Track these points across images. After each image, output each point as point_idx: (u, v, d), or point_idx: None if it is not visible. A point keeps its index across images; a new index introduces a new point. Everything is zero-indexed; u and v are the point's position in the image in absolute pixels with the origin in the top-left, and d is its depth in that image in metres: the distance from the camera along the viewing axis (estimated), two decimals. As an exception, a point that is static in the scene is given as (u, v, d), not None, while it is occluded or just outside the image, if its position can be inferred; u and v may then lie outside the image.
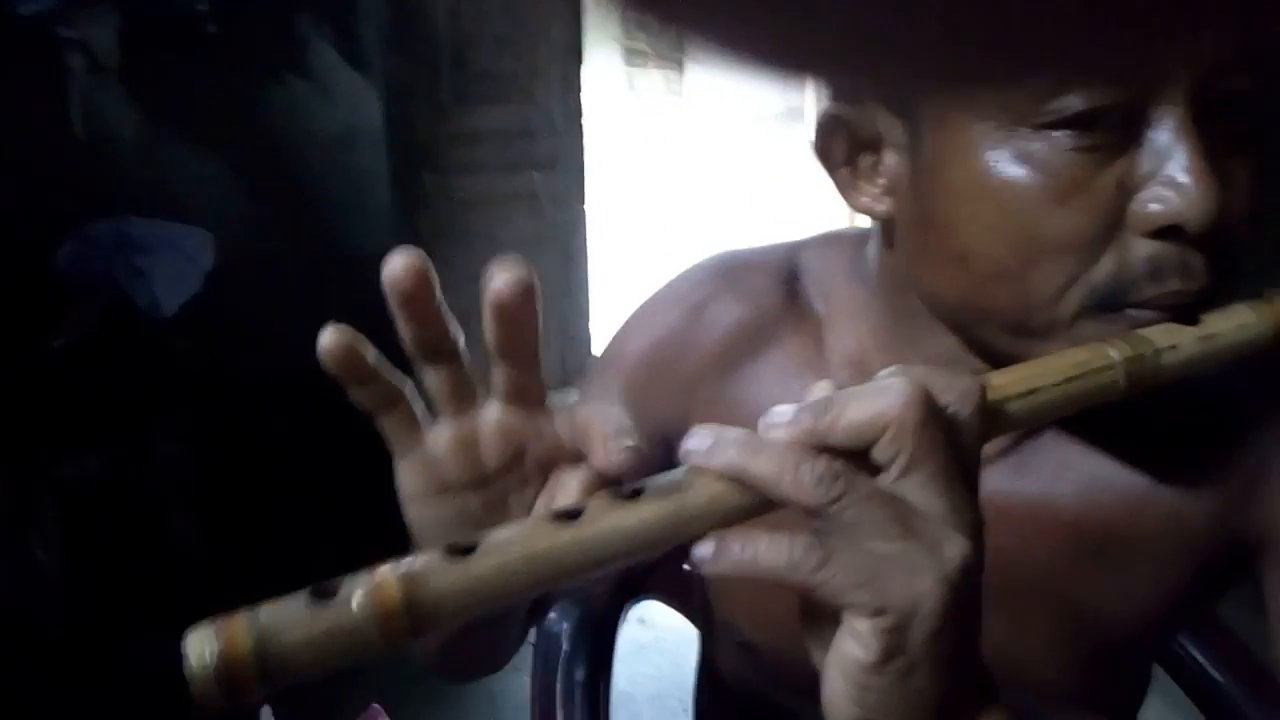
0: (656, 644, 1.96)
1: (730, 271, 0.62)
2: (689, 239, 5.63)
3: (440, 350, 0.37)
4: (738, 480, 0.34)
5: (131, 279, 1.94)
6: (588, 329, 2.41)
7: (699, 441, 0.35)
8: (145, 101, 2.16)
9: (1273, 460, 0.50)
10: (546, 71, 2.23)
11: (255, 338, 2.22)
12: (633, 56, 8.31)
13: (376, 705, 1.55)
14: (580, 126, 2.32)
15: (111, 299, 1.92)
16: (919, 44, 0.13)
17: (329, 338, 0.33)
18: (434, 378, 0.38)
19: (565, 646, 0.84)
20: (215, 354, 2.14)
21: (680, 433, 0.62)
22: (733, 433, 0.35)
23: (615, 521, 0.32)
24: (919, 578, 0.32)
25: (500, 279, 0.34)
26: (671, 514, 0.33)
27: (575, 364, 2.37)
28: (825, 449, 0.33)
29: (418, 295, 0.35)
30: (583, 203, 2.34)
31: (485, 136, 2.17)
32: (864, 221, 0.55)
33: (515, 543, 0.32)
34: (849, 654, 0.33)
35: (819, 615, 0.36)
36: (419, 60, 2.07)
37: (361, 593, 0.30)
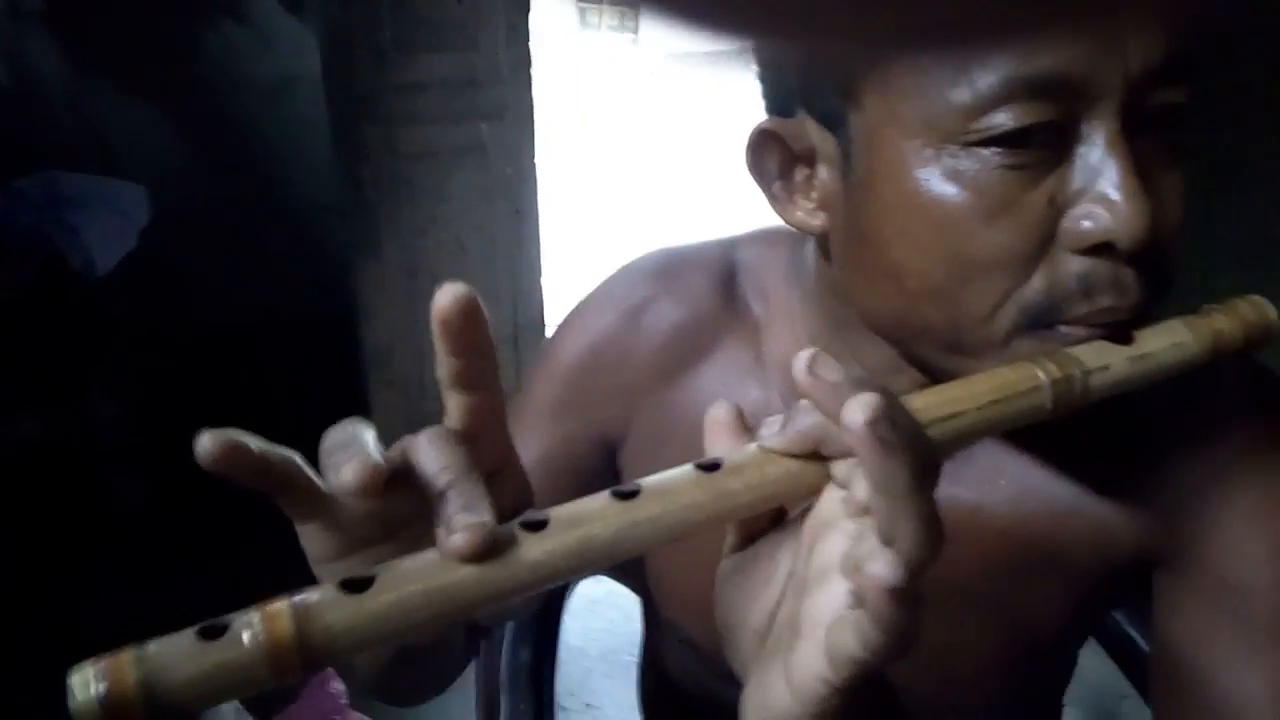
0: (609, 598, 1.98)
1: (666, 272, 0.61)
2: (644, 185, 5.57)
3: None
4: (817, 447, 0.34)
5: (64, 236, 1.88)
6: (539, 285, 2.38)
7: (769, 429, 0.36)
8: (72, 48, 2.06)
9: (1192, 487, 0.51)
10: (492, 18, 2.16)
11: (193, 294, 2.17)
12: (585, -8, 8.12)
13: (329, 668, 1.56)
14: (529, 75, 2.26)
15: (44, 257, 1.86)
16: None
17: (207, 445, 0.31)
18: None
19: (510, 626, 0.84)
20: (152, 311, 2.09)
21: (621, 437, 0.62)
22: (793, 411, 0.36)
23: (519, 554, 0.31)
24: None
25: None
26: (578, 545, 0.32)
27: (526, 321, 2.35)
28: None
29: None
30: (533, 155, 2.29)
31: (429, 86, 2.11)
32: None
33: (413, 578, 0.31)
34: (776, 705, 0.33)
35: (751, 653, 0.36)
36: (358, 5, 2.00)
37: (252, 628, 0.29)
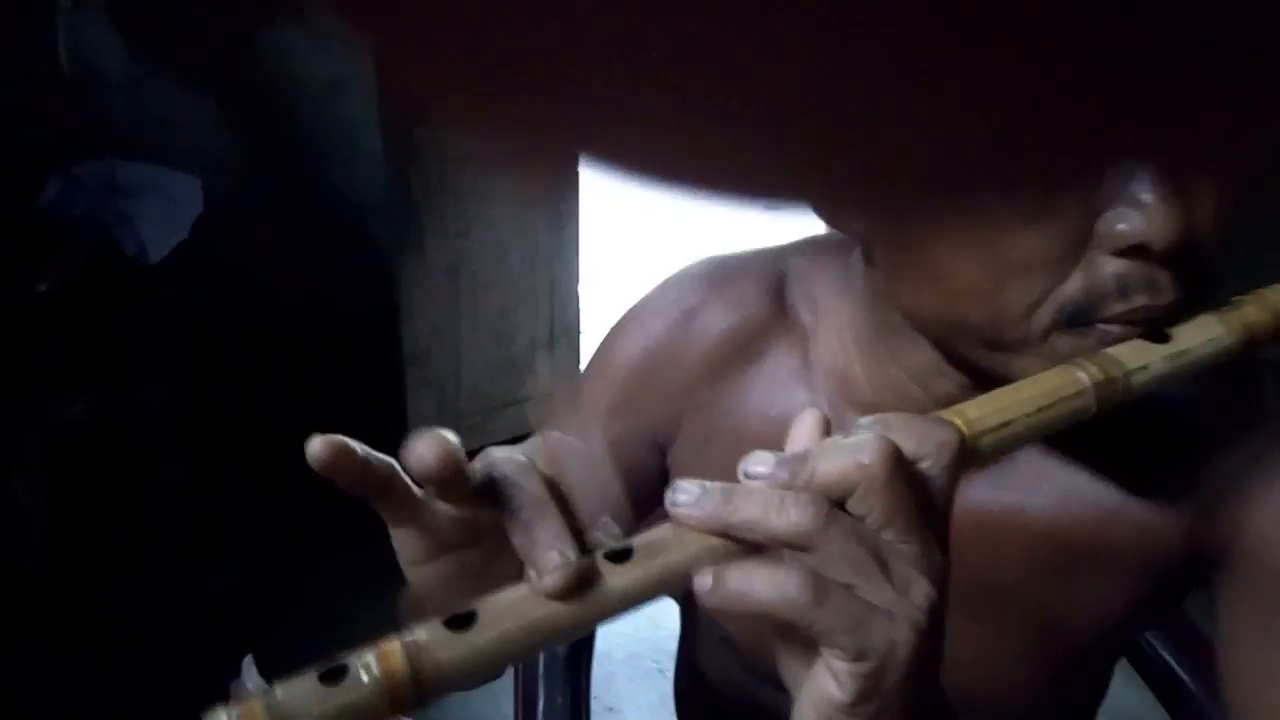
0: (634, 604, 1.99)
1: (718, 279, 0.62)
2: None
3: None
4: (724, 533, 0.34)
5: (118, 223, 1.92)
6: (576, 290, 2.41)
7: (684, 496, 0.35)
8: (133, 40, 2.12)
9: (1234, 478, 0.52)
10: (543, 25, 2.20)
11: (242, 284, 2.21)
12: (629, 3, 8.16)
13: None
14: (575, 82, 2.29)
15: (97, 243, 1.90)
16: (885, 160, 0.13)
17: (317, 449, 0.33)
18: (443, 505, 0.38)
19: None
20: (201, 300, 2.13)
21: (671, 438, 0.63)
22: (714, 485, 0.35)
23: (606, 584, 0.33)
24: (896, 625, 0.34)
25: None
26: (660, 572, 0.34)
27: (562, 325, 2.37)
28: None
29: (450, 480, 0.35)
30: (576, 160, 2.32)
31: (479, 90, 2.14)
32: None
33: (512, 613, 0.33)
34: (824, 691, 0.34)
35: (795, 644, 0.37)
36: (413, 9, 2.04)
37: (369, 668, 0.31)
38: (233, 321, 2.19)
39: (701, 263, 0.65)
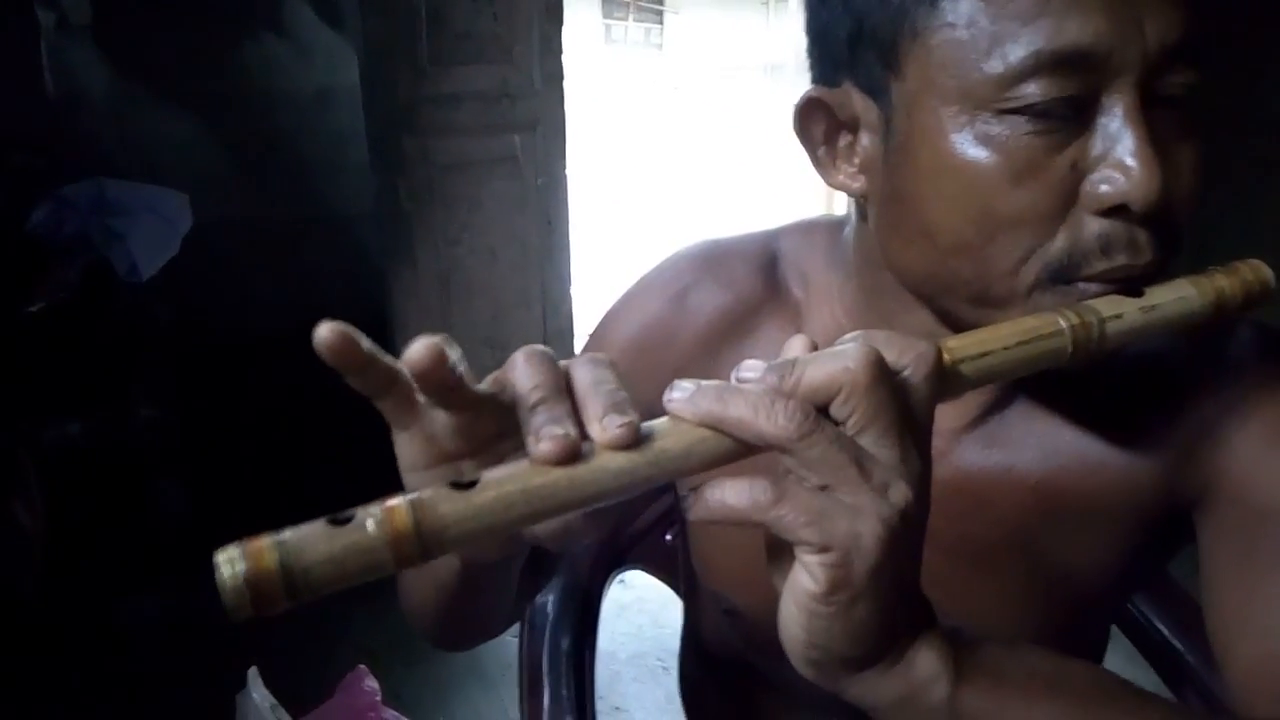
0: (637, 604, 2.00)
1: (711, 259, 0.64)
2: (669, 194, 5.60)
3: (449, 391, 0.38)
4: (715, 426, 0.37)
5: (108, 242, 1.93)
6: (568, 293, 2.42)
7: (679, 392, 0.38)
8: (118, 60, 2.13)
9: (1210, 422, 0.54)
10: (526, 32, 2.21)
11: (234, 299, 2.22)
12: (611, 8, 8.20)
13: (362, 666, 1.59)
14: (561, 88, 2.31)
15: (88, 262, 1.91)
16: None
17: (325, 332, 0.34)
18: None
19: (551, 615, 0.87)
20: (194, 316, 2.13)
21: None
22: (708, 384, 0.38)
23: (604, 462, 0.35)
24: (862, 519, 0.35)
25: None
26: (655, 457, 0.36)
27: (555, 328, 2.38)
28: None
29: (439, 378, 0.36)
30: (564, 166, 2.33)
31: (464, 98, 2.15)
32: (840, 204, 0.57)
33: (513, 479, 0.34)
34: (801, 585, 0.36)
35: (780, 553, 0.39)
36: (396, 19, 2.05)
37: (375, 517, 0.32)
38: (226, 336, 2.20)
39: (695, 244, 0.67)
